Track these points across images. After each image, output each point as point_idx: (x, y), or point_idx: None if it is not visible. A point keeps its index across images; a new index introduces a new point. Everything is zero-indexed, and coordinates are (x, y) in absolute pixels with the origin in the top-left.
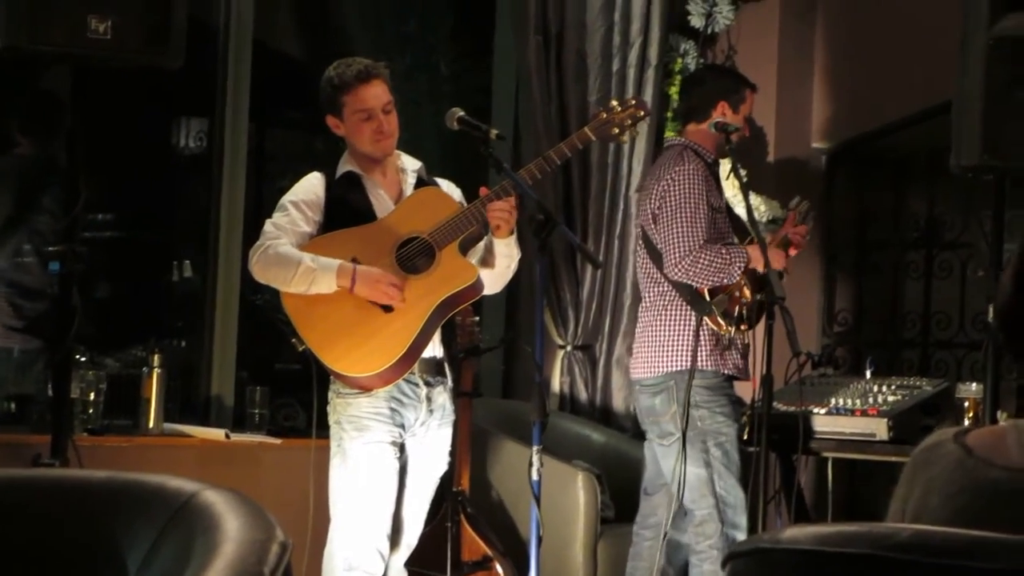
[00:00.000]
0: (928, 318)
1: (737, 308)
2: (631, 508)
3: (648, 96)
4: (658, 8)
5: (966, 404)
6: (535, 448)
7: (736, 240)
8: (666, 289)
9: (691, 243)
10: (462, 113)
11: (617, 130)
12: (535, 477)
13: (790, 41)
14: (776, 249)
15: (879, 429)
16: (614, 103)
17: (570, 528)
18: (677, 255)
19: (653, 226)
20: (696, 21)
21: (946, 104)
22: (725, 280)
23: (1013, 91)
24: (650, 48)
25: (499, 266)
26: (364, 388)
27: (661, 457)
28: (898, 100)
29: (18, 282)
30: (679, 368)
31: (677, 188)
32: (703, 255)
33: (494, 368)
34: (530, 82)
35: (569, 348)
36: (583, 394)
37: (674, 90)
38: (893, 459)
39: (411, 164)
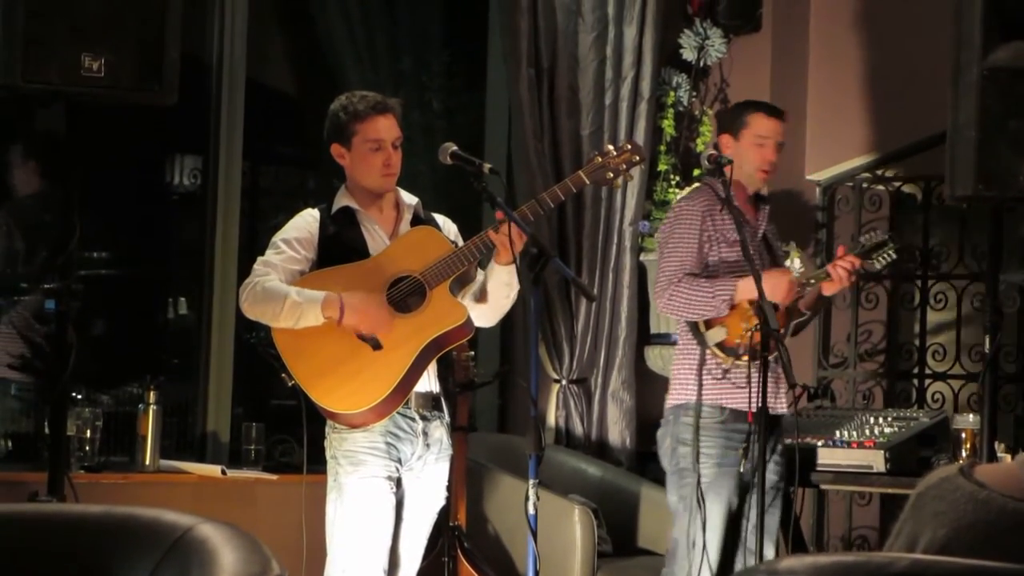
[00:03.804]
0: (924, 350)
1: (739, 340)
2: (628, 542)
3: (641, 130)
4: (650, 42)
5: (963, 436)
6: (531, 482)
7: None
8: (682, 325)
9: (670, 276)
10: (455, 148)
11: (611, 174)
12: (531, 511)
13: (782, 73)
14: (778, 280)
15: (876, 461)
16: (609, 148)
17: (567, 562)
18: (658, 288)
19: None
20: (688, 54)
21: (940, 135)
22: (711, 313)
23: (1007, 121)
24: (642, 82)
25: (498, 296)
26: (352, 425)
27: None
28: (892, 131)
29: (26, 319)
30: (679, 402)
31: (668, 223)
32: (680, 288)
33: (490, 402)
34: (522, 116)
35: (564, 382)
36: (579, 428)
37: (667, 123)
38: (890, 491)
39: (408, 199)
